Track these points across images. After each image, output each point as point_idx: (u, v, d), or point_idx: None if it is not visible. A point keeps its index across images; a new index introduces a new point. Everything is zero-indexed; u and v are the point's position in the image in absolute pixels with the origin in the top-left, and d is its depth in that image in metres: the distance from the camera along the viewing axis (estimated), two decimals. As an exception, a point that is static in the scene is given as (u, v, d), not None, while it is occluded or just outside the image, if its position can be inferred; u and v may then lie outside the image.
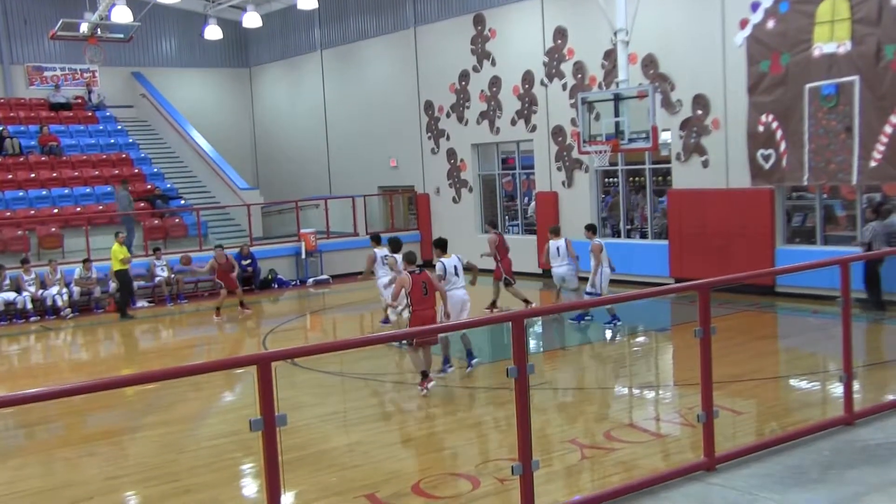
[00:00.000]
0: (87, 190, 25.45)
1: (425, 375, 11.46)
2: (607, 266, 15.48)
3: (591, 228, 16.09)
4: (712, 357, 7.19)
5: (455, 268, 12.82)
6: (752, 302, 16.68)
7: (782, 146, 16.84)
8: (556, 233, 16.35)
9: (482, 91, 23.69)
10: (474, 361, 12.58)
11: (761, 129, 17.17)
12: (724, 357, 11.45)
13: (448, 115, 24.93)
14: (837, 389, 8.91)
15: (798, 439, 7.75)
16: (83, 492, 8.52)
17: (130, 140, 28.91)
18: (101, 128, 29.01)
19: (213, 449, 9.82)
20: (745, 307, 16.30)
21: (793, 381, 11.72)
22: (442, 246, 13.01)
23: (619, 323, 15.06)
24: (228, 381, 12.96)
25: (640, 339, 14.83)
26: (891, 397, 9.33)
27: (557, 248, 16.07)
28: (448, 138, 25.06)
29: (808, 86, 16.31)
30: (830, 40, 15.92)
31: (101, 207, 24.64)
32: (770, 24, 16.84)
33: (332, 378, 13.00)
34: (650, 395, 11.61)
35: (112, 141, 28.43)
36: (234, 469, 9.11)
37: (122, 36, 26.91)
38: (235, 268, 20.16)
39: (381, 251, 16.44)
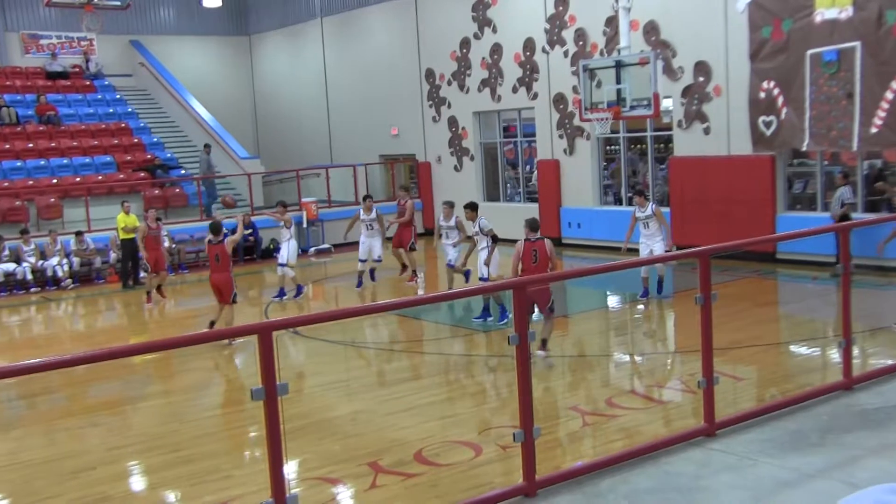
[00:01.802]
0: (87, 160, 25.37)
1: (544, 343, 11.13)
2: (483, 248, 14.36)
3: (471, 207, 14.34)
4: (713, 324, 7.21)
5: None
6: (753, 269, 16.70)
7: (783, 113, 16.78)
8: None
9: (483, 58, 23.58)
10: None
11: (763, 95, 17.10)
12: (725, 324, 11.48)
13: (449, 83, 24.83)
14: (836, 355, 8.93)
15: (797, 404, 7.80)
16: (85, 462, 8.57)
17: (129, 109, 28.77)
18: (99, 97, 28.87)
19: (215, 418, 9.88)
20: (745, 274, 16.31)
21: (793, 347, 11.76)
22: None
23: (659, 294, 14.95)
24: (232, 350, 12.99)
25: (641, 306, 14.85)
26: (889, 362, 9.35)
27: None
28: (449, 106, 24.97)
29: (809, 52, 16.22)
30: (832, 6, 15.81)
31: (100, 177, 24.61)
32: (772, -11, 16.74)
33: (334, 347, 13.04)
34: (651, 362, 11.65)
35: (111, 110, 28.31)
36: (236, 438, 9.17)
37: (119, 3, 26.76)
38: (167, 239, 18.99)
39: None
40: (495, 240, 13.90)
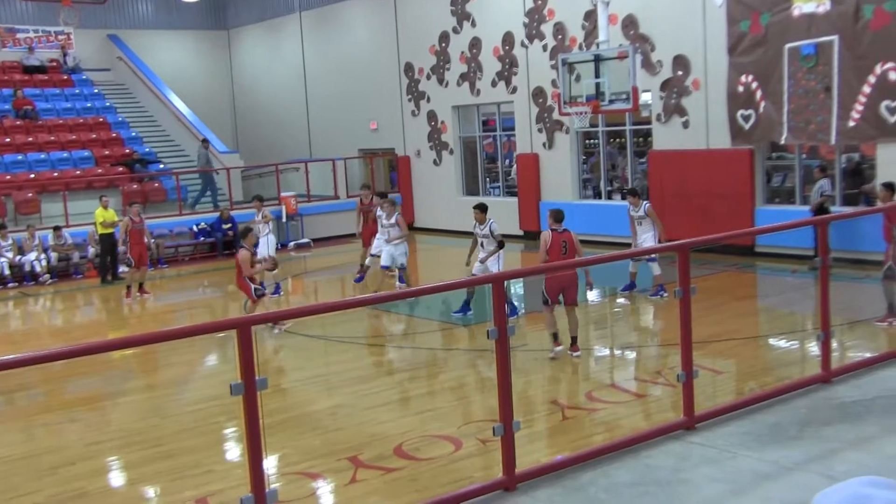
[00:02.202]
0: (64, 154, 25.21)
1: (556, 337, 11.05)
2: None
3: (481, 209, 13.88)
4: (692, 317, 7.24)
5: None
6: (732, 262, 16.77)
7: (762, 106, 16.85)
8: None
9: (462, 52, 23.56)
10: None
11: (741, 89, 17.17)
12: (705, 317, 11.53)
13: (428, 77, 24.79)
14: (815, 348, 8.99)
15: (776, 397, 7.84)
16: (64, 457, 8.52)
17: (107, 104, 28.59)
18: (77, 91, 28.68)
19: (195, 413, 9.83)
20: (725, 267, 16.38)
21: (772, 341, 11.83)
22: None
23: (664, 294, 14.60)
24: (211, 346, 12.95)
25: (621, 300, 14.88)
26: (866, 355, 9.42)
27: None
28: (428, 100, 24.94)
29: (787, 46, 16.29)
30: (809, 0, 15.89)
31: (78, 172, 24.44)
32: (750, -17, 16.80)
33: (313, 341, 13.01)
34: (631, 355, 11.69)
35: (89, 104, 28.12)
36: (216, 433, 9.14)
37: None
38: (146, 234, 18.63)
39: None
40: (501, 245, 13.49)
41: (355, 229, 18.01)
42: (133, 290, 17.56)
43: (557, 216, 11.40)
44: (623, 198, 20.43)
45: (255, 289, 13.28)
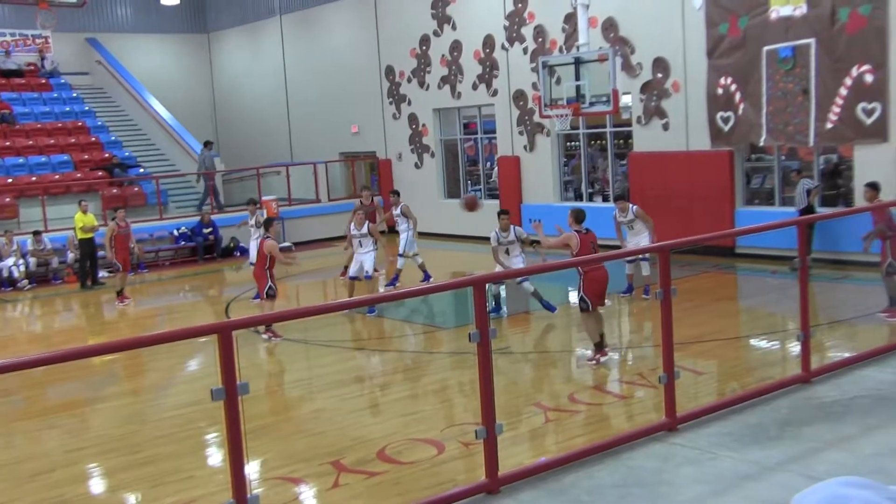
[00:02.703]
0: (43, 159, 25.05)
1: (600, 346, 10.55)
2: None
3: (506, 213, 14.14)
4: (673, 318, 7.27)
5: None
6: (713, 263, 16.83)
7: (741, 108, 16.94)
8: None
9: (443, 55, 23.57)
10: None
11: (720, 91, 17.25)
12: (685, 318, 11.55)
13: (409, 80, 24.79)
14: (795, 348, 9.04)
15: (757, 398, 7.87)
16: (44, 464, 8.46)
17: (86, 108, 28.44)
18: (55, 95, 28.50)
19: (176, 419, 9.79)
20: (705, 268, 16.44)
21: (752, 341, 11.89)
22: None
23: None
24: (192, 350, 12.89)
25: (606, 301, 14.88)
26: (846, 355, 9.48)
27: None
28: (409, 103, 24.93)
29: (765, 48, 16.39)
30: (787, 3, 15.99)
31: (57, 177, 24.31)
32: (729, -14, 16.89)
33: (295, 345, 12.98)
34: (613, 357, 11.71)
35: (67, 109, 27.96)
36: (197, 439, 9.10)
37: (74, 0, 26.40)
38: (132, 239, 18.18)
39: None
40: (538, 243, 12.84)
41: (346, 231, 17.58)
42: (124, 293, 17.29)
43: (579, 216, 11.12)
44: (606, 200, 20.55)
45: (269, 287, 13.38)
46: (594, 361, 10.51)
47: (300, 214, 24.93)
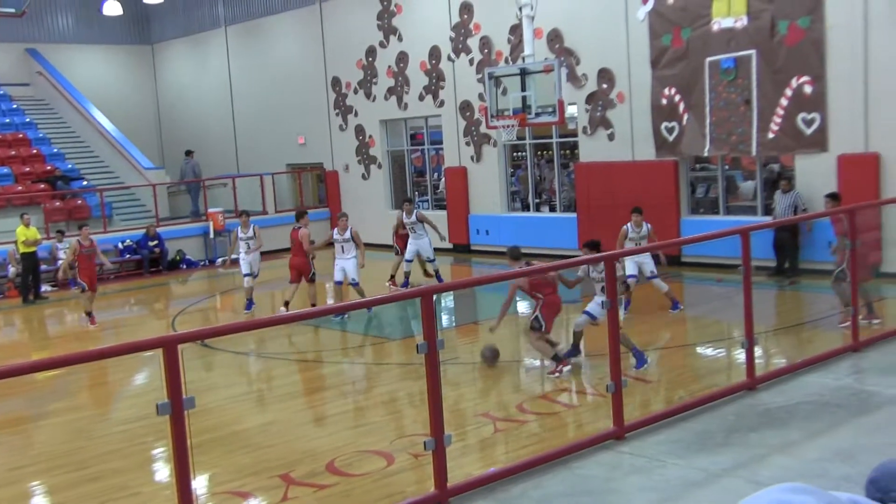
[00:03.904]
0: (-17, 172, 24.65)
1: (557, 358, 10.59)
2: None
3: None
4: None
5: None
6: (659, 272, 16.96)
7: (685, 119, 17.17)
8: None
9: (389, 67, 23.57)
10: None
11: (664, 102, 17.47)
12: (633, 327, 11.67)
13: (356, 92, 24.76)
14: (741, 355, 9.17)
15: (704, 405, 7.97)
16: (-14, 483, 8.30)
17: (27, 119, 27.99)
18: (-5, 107, 28.07)
19: (122, 434, 9.65)
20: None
21: (699, 349, 12.01)
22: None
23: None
24: (137, 365, 12.72)
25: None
26: (790, 361, 9.63)
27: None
28: (356, 115, 24.90)
29: (708, 59, 16.63)
30: (728, 15, 16.25)
31: (-2, 190, 23.91)
32: (671, -2, 17.13)
33: (243, 358, 12.87)
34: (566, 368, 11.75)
35: (7, 120, 27.49)
36: (144, 454, 8.97)
37: (13, 10, 26.02)
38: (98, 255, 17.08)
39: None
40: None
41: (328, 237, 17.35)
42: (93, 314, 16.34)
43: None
44: (553, 210, 20.68)
45: (313, 273, 15.14)
46: (557, 373, 10.49)
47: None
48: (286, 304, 15.18)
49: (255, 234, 16.48)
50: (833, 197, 12.54)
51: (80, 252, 16.45)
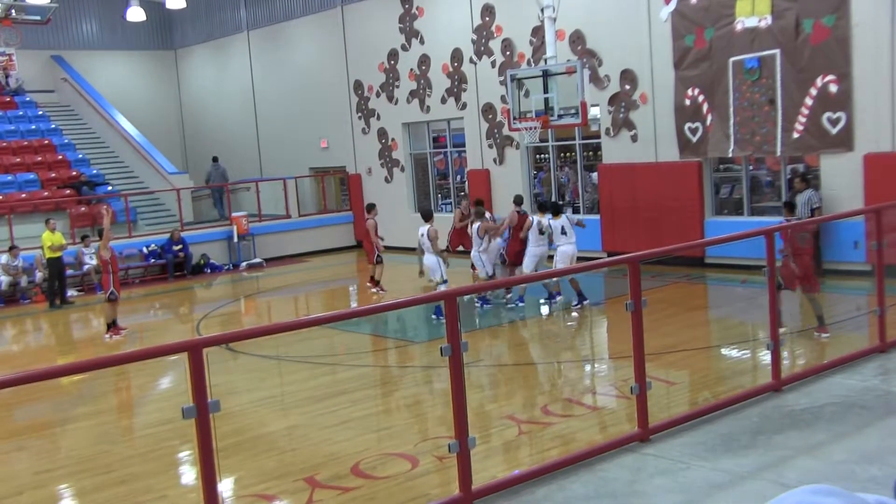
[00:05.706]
0: (9, 178, 24.84)
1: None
2: None
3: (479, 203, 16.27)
4: (644, 329, 7.30)
5: (562, 227, 14.86)
6: (683, 273, 16.93)
7: (709, 119, 17.09)
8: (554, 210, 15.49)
9: (411, 70, 23.61)
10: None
11: (688, 102, 17.40)
12: (656, 329, 11.63)
13: (378, 95, 24.81)
14: (766, 357, 9.11)
15: (728, 407, 7.92)
16: (12, 487, 8.36)
17: (53, 125, 28.22)
18: (20, 113, 28.27)
19: (147, 438, 9.71)
20: (675, 279, 16.54)
21: (723, 351, 11.95)
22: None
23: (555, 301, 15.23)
24: (163, 369, 12.80)
25: (574, 314, 14.96)
26: (816, 363, 9.56)
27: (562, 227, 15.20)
28: (378, 118, 24.95)
29: (731, 59, 16.55)
30: (752, 14, 16.16)
31: (23, 195, 24.10)
32: (694, -2, 17.06)
33: (267, 362, 12.91)
34: (586, 368, 11.74)
35: (33, 127, 27.74)
36: (169, 458, 9.02)
37: (39, 17, 26.25)
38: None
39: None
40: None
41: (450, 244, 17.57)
42: (116, 325, 15.64)
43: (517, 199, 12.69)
44: (576, 212, 20.60)
45: (378, 255, 17.51)
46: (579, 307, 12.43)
47: (270, 230, 24.85)
48: (372, 279, 17.84)
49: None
50: (788, 206, 13.11)
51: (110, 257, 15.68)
